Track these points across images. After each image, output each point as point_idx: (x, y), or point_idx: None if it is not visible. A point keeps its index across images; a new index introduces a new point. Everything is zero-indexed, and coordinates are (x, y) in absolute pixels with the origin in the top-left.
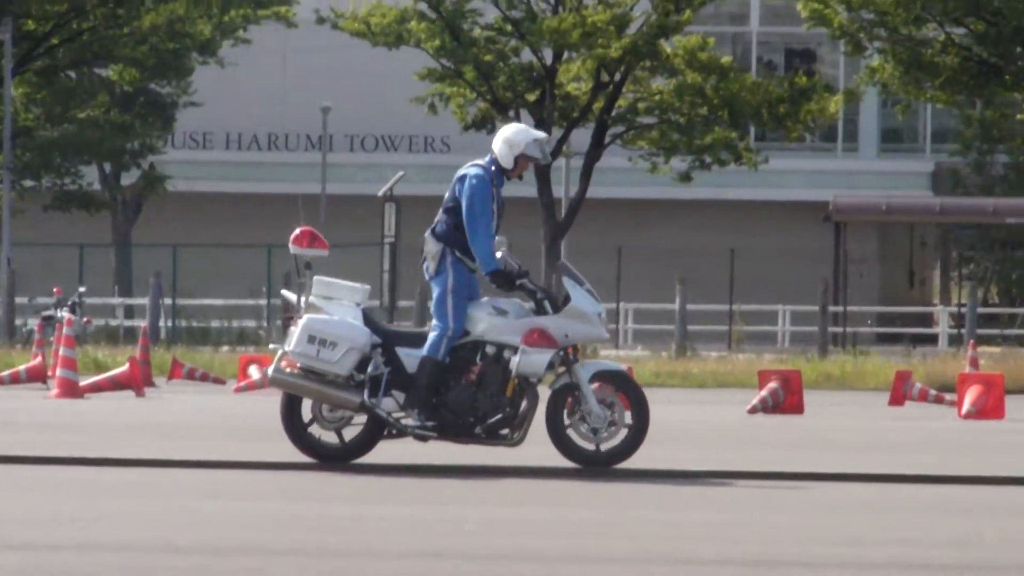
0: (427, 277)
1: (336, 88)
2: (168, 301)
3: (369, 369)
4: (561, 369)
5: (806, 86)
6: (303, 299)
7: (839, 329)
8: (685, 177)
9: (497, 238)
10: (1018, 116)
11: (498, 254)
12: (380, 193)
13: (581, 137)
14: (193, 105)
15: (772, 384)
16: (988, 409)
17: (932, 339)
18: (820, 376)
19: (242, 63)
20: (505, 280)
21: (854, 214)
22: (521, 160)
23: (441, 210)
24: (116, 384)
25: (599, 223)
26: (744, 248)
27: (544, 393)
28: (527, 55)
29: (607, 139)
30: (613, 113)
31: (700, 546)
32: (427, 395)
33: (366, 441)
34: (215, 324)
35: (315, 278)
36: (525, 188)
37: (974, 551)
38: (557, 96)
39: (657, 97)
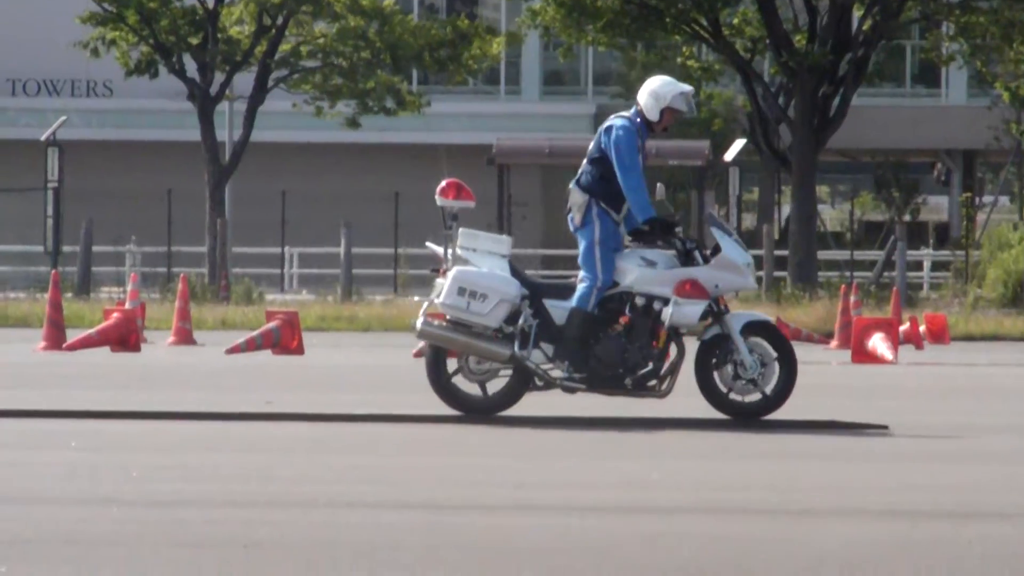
0: (572, 229)
1: None
2: None
3: (520, 321)
4: (709, 320)
5: (468, 29)
6: (450, 251)
7: None
8: (352, 123)
9: (658, 185)
10: (678, 59)
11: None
12: (43, 138)
13: (246, 81)
14: None
15: None
16: None
17: None
18: None
19: None
20: (663, 228)
21: (517, 157)
22: (667, 113)
23: (586, 161)
24: None
25: (264, 167)
26: (409, 192)
27: (691, 344)
28: None
29: (270, 83)
30: (276, 57)
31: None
32: (577, 347)
33: (512, 393)
34: None
35: (460, 230)
36: (189, 132)
37: (641, 492)
38: (220, 40)
39: (320, 41)
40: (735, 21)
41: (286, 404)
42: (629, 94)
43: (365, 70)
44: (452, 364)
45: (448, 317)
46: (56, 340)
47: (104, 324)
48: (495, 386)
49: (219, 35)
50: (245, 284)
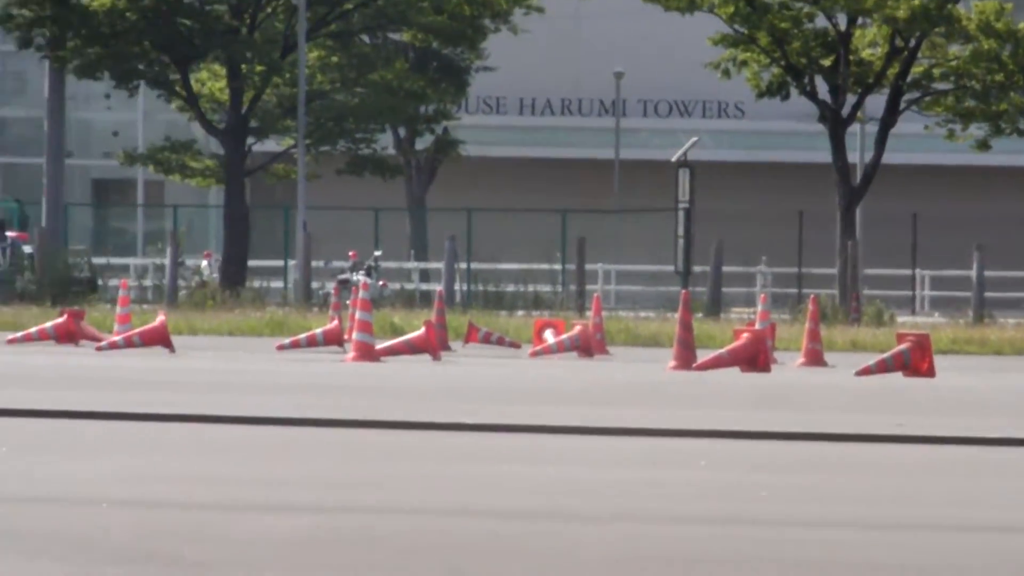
0: None
1: (629, 53)
2: (463, 265)
3: None
4: None
5: None
6: None
7: None
8: (983, 145)
9: None
10: None
11: None
12: (674, 159)
13: (876, 103)
14: (487, 70)
15: None
16: None
17: None
18: None
19: (535, 28)
20: None
21: None
22: None
23: None
24: (412, 348)
25: (894, 189)
26: None
27: None
28: (821, 21)
29: (902, 105)
30: (908, 79)
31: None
32: None
33: None
34: (510, 288)
35: None
36: (820, 154)
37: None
38: (851, 62)
39: (953, 63)
40: None
41: (916, 427)
42: None
43: (998, 93)
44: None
45: None
46: (686, 360)
47: (734, 344)
48: None
49: (851, 57)
50: (876, 306)
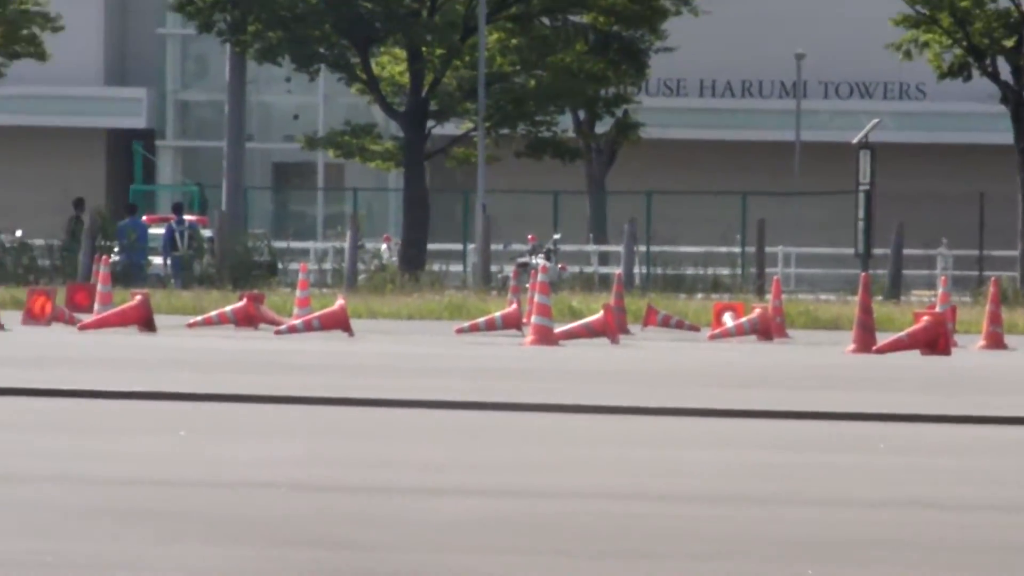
0: None
1: (810, 34)
2: (642, 248)
3: None
4: None
5: None
6: None
7: None
8: None
9: None
10: None
11: None
12: (855, 140)
13: None
14: (667, 51)
15: None
16: None
17: None
18: None
19: (715, 9)
20: None
21: None
22: None
23: None
24: (590, 331)
25: None
26: None
27: None
28: (1004, 1)
29: None
30: None
31: None
32: None
33: None
34: (689, 271)
35: None
36: (1002, 135)
37: None
38: None
39: None
40: None
41: None
42: None
43: None
44: None
45: None
46: (865, 343)
47: (914, 327)
48: None
49: None
50: None
